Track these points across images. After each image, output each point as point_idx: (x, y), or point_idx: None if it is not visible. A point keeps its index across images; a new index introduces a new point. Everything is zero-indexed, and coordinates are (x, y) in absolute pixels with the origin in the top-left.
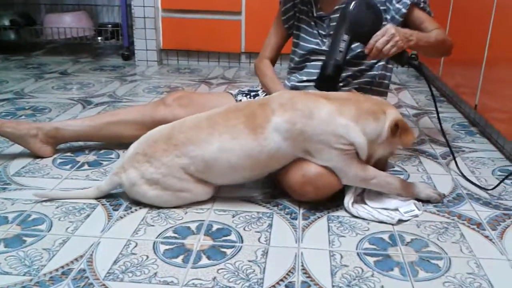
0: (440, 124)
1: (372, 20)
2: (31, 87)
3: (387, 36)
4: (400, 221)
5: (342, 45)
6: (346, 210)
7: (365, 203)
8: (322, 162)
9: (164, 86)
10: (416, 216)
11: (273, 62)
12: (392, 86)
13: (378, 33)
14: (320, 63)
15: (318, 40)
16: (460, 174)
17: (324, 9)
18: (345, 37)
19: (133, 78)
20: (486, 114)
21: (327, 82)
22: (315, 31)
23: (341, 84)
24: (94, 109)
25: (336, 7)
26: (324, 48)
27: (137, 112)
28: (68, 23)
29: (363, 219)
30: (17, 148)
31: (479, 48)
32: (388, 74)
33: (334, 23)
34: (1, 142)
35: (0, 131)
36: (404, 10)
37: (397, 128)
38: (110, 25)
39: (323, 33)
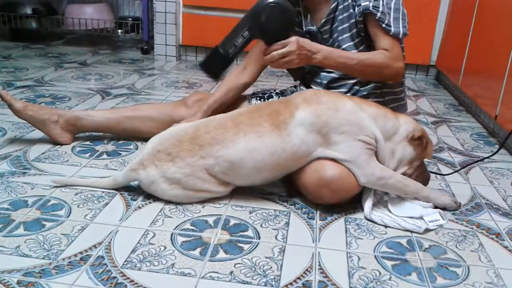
0: None
1: (281, 26)
2: (51, 76)
3: (285, 50)
4: (426, 231)
5: (239, 41)
6: (367, 219)
7: (389, 211)
8: (343, 155)
9: (182, 82)
10: (441, 225)
11: (253, 73)
12: (410, 93)
13: (280, 43)
14: (328, 74)
15: None
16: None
17: (314, 21)
18: (246, 33)
19: (151, 72)
20: (506, 125)
21: (210, 69)
22: None
23: (349, 94)
24: (113, 100)
25: (324, 20)
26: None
27: (157, 109)
28: (89, 14)
29: (389, 227)
30: (37, 134)
31: (502, 58)
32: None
33: (327, 36)
34: (21, 127)
35: (23, 114)
36: (362, 11)
37: (421, 140)
38: (130, 19)
39: None
